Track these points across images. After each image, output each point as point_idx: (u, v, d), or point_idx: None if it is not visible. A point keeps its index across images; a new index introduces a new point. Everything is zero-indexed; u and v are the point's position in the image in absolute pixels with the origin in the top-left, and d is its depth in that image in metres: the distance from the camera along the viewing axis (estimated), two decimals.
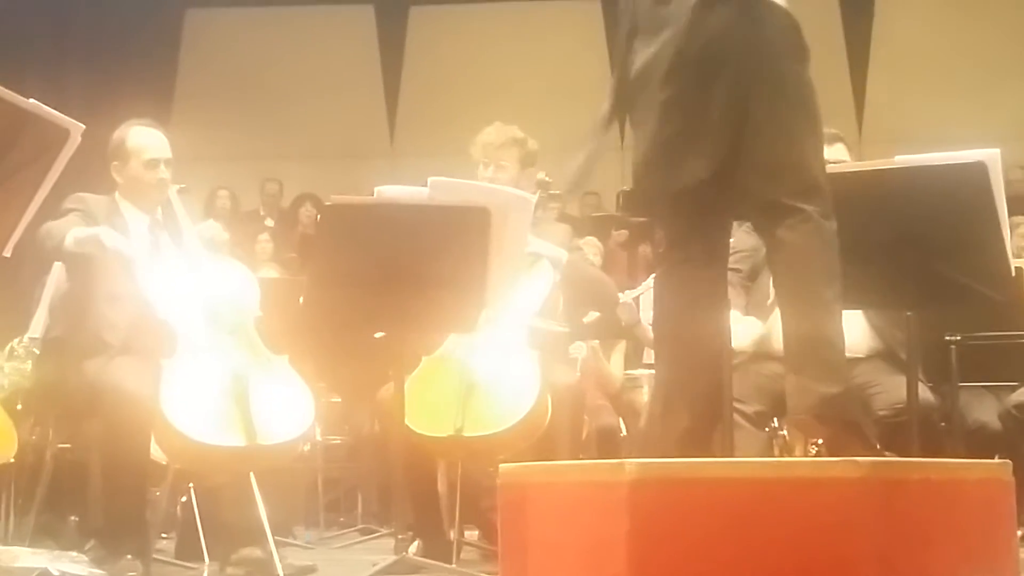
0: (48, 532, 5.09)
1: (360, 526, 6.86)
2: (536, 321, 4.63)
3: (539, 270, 4.72)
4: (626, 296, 5.87)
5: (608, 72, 3.36)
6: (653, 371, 5.97)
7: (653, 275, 6.38)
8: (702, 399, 3.19)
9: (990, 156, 3.58)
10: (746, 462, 2.88)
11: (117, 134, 4.61)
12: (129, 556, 4.14)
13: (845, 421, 3.03)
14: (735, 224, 3.69)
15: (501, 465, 2.97)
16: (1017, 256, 4.62)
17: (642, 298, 6.13)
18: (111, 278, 4.36)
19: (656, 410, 3.23)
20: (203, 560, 4.40)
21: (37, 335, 5.23)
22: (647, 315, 6.10)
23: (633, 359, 6.47)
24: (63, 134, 3.13)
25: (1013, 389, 4.83)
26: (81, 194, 4.50)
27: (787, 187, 3.09)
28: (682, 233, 3.22)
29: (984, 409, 5.00)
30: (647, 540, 2.54)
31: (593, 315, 5.37)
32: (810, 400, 3.01)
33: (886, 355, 4.40)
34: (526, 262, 4.60)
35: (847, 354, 3.16)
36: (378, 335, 4.43)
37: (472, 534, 5.11)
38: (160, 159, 4.55)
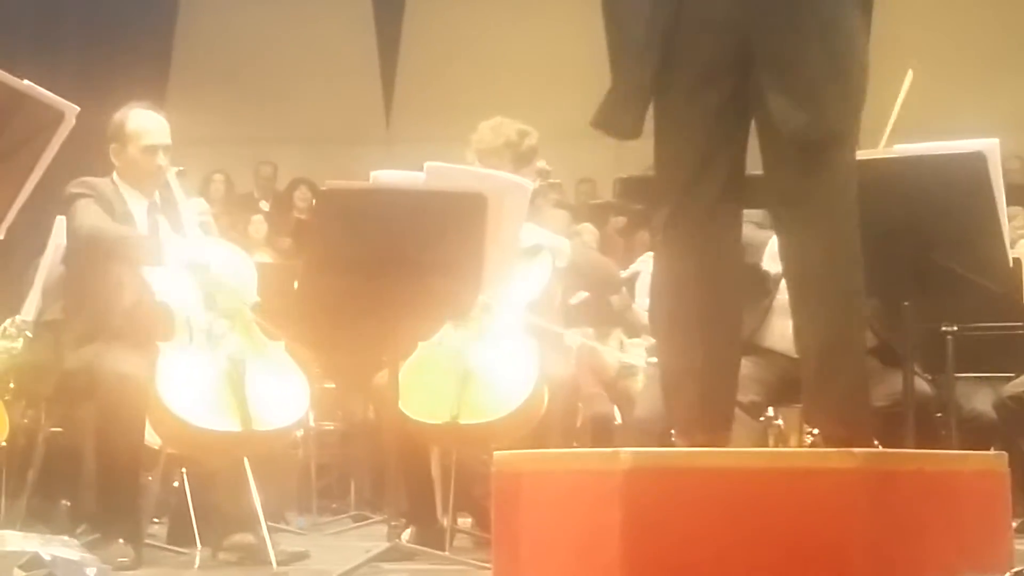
0: (39, 516, 5.08)
1: (353, 512, 6.85)
2: (534, 319, 4.60)
3: (539, 261, 4.69)
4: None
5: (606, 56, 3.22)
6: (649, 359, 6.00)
7: (642, 257, 6.35)
8: (716, 394, 2.98)
9: (989, 146, 3.57)
10: (741, 452, 2.87)
11: (118, 116, 4.54)
12: (121, 541, 4.13)
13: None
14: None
15: (495, 453, 2.96)
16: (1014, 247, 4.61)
17: (637, 282, 6.10)
18: (116, 265, 4.34)
19: (675, 408, 3.00)
20: (195, 545, 4.38)
21: (30, 318, 5.22)
22: (642, 299, 6.09)
23: (628, 346, 6.46)
24: (58, 116, 3.11)
25: (1009, 380, 4.82)
26: (85, 178, 4.46)
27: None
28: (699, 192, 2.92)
29: (980, 399, 5.00)
30: (640, 529, 2.53)
31: (582, 295, 5.32)
32: (835, 437, 2.87)
33: (880, 352, 4.37)
34: (527, 254, 4.57)
35: None
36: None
37: (465, 521, 5.10)
38: (159, 146, 4.49)
